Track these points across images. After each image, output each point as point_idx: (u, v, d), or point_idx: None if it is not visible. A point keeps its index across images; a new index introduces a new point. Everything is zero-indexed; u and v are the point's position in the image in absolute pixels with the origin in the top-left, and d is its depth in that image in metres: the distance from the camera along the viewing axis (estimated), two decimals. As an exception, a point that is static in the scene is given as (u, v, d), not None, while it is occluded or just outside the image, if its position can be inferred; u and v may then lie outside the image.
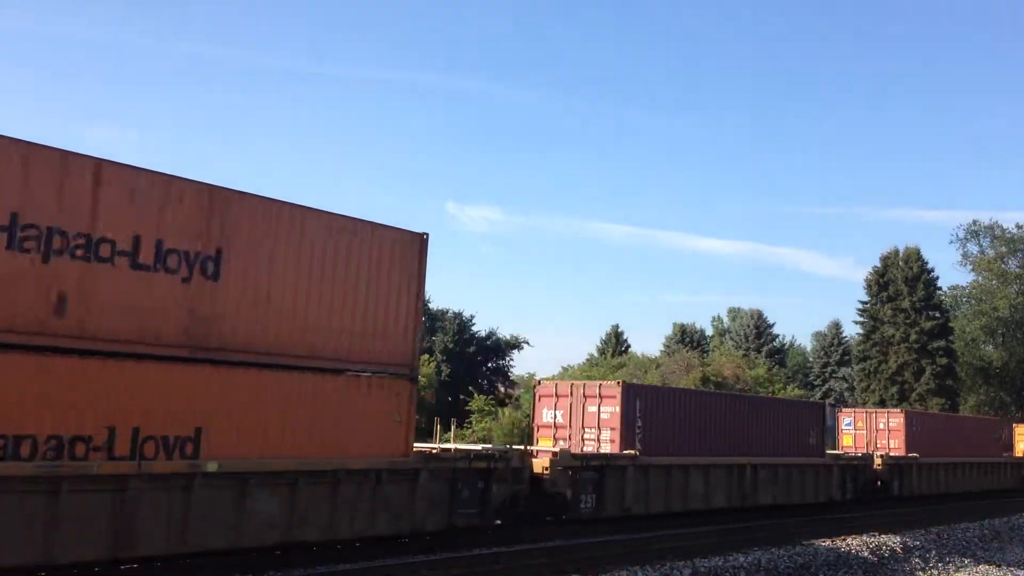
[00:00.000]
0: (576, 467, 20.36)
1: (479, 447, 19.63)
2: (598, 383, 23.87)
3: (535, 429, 24.54)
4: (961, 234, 74.28)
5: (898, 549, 22.25)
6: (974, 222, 74.01)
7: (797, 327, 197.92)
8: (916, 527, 25.67)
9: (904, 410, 37.19)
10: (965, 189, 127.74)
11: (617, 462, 21.58)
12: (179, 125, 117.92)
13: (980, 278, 74.03)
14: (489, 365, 66.90)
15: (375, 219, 15.65)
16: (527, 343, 68.75)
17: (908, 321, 65.08)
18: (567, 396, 23.85)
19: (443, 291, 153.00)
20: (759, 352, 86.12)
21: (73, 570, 13.07)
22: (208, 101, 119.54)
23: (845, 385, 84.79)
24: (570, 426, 23.47)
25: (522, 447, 20.36)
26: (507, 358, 67.91)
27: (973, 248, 74.05)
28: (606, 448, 22.36)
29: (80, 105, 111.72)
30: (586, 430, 23.08)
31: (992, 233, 73.42)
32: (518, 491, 18.90)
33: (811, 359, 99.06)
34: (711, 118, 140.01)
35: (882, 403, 61.68)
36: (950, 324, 67.46)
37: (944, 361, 64.31)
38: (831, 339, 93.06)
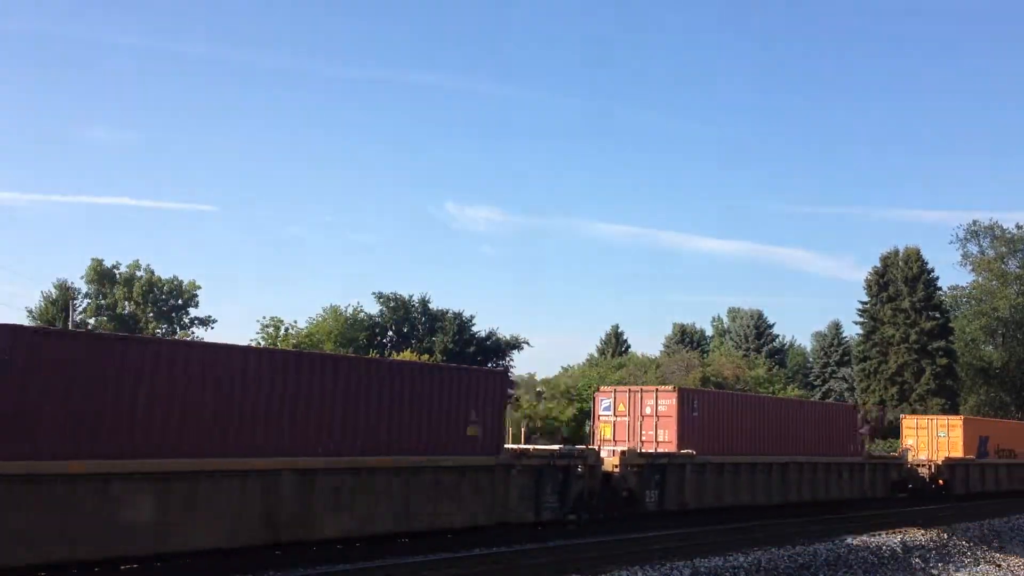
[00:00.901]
0: None
1: None
2: None
3: None
4: (961, 234, 74.45)
5: (898, 549, 22.25)
6: (974, 222, 74.19)
7: (797, 327, 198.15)
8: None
9: (678, 387, 26.48)
10: (965, 189, 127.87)
11: None
12: (179, 125, 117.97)
13: (980, 278, 74.07)
14: (489, 365, 66.93)
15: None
16: (527, 343, 68.86)
17: (908, 321, 65.07)
18: None
19: (443, 291, 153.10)
20: (759, 352, 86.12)
21: (73, 570, 13.11)
22: (208, 101, 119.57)
23: (845, 385, 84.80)
24: None
25: None
26: (507, 358, 67.95)
27: (973, 248, 74.21)
28: None
29: (80, 105, 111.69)
30: None
31: (992, 233, 73.51)
32: None
33: (811, 359, 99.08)
34: (711, 118, 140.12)
35: (882, 403, 61.65)
36: (950, 324, 67.44)
37: (944, 361, 64.29)
38: (831, 339, 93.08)
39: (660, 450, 24.30)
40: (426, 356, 57.97)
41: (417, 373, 18.08)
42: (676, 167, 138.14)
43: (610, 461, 22.37)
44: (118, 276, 72.70)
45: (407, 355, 56.20)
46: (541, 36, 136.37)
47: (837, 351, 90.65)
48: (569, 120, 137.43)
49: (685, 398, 25.25)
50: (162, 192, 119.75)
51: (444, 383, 18.23)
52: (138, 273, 72.86)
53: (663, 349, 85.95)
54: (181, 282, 73.77)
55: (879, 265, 68.81)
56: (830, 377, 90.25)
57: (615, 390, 27.17)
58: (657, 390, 25.98)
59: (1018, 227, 72.74)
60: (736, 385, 58.64)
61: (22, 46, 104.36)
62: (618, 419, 26.04)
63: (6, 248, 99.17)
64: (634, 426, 25.56)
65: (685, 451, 24.43)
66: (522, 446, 22.79)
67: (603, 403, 26.67)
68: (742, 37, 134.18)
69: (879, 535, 23.53)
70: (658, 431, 25.05)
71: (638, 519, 22.90)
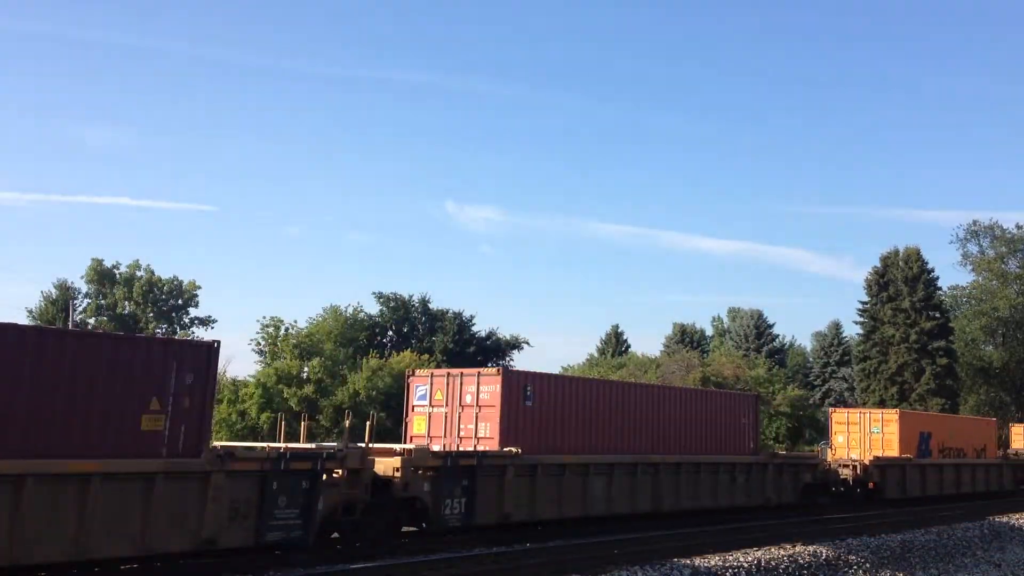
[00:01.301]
0: None
1: None
2: None
3: None
4: (961, 234, 74.25)
5: (898, 549, 22.26)
6: (974, 222, 74.02)
7: (797, 327, 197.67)
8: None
9: (503, 369, 21.28)
10: (965, 189, 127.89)
11: None
12: (179, 125, 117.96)
13: (980, 278, 74.00)
14: (489, 365, 66.94)
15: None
16: (527, 343, 68.82)
17: (908, 321, 65.04)
18: None
19: (443, 291, 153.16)
20: (759, 352, 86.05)
21: (73, 570, 13.12)
22: (207, 101, 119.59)
23: (845, 385, 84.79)
24: None
25: None
26: (507, 358, 67.92)
27: (973, 248, 74.09)
28: None
29: (80, 105, 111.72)
30: None
31: (992, 233, 73.42)
32: None
33: (811, 359, 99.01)
34: (711, 118, 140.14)
35: (882, 403, 61.58)
36: (950, 324, 67.40)
37: (944, 361, 64.23)
38: (831, 339, 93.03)
39: (480, 448, 19.73)
40: (426, 356, 57.95)
41: (57, 343, 12.91)
42: (676, 167, 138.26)
43: (388, 463, 17.19)
44: (118, 276, 72.69)
45: (407, 355, 56.20)
46: (541, 36, 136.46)
47: (837, 351, 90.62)
48: (569, 120, 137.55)
49: (513, 383, 20.48)
50: (162, 192, 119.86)
51: (110, 358, 13.30)
52: (138, 273, 72.87)
53: (663, 349, 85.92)
54: (181, 282, 73.76)
55: (879, 265, 68.75)
56: (830, 377, 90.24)
57: (432, 374, 22.02)
58: (479, 373, 20.95)
59: (1018, 227, 72.74)
60: (736, 385, 58.58)
61: (22, 46, 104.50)
62: (435, 410, 21.02)
63: (6, 248, 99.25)
64: (452, 419, 20.77)
65: (508, 449, 19.70)
66: (241, 444, 17.83)
67: (418, 391, 21.43)
68: (742, 37, 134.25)
69: (879, 535, 23.53)
70: (478, 424, 20.24)
71: (440, 535, 18.38)
